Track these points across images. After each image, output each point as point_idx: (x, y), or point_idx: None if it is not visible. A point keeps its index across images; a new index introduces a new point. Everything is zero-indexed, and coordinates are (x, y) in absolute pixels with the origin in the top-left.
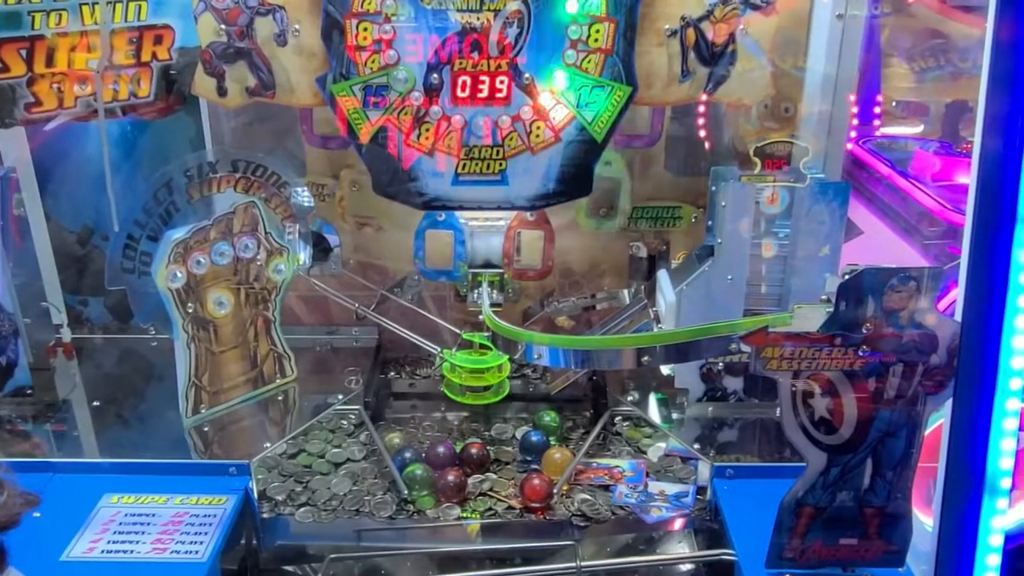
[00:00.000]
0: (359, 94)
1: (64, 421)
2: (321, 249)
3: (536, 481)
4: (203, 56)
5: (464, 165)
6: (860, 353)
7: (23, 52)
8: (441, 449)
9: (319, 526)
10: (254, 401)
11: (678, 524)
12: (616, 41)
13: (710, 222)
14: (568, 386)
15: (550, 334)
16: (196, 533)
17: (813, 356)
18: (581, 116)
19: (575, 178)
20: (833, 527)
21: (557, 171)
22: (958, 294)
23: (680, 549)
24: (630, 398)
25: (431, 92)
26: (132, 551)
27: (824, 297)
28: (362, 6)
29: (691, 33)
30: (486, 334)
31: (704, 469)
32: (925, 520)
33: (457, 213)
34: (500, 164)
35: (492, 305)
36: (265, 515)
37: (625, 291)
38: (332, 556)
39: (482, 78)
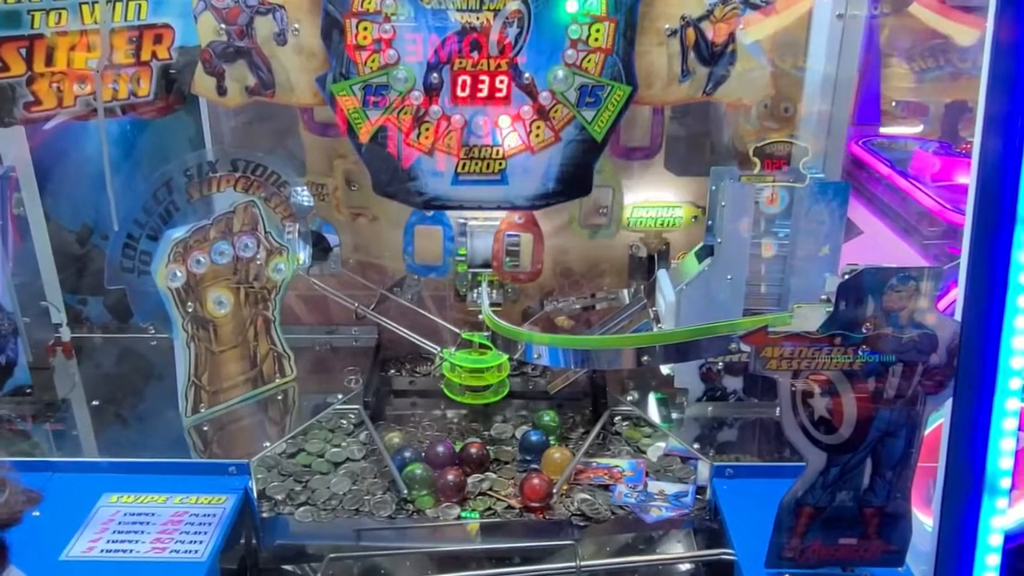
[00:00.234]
0: (359, 93)
1: (63, 420)
2: (321, 248)
3: (536, 481)
4: (203, 55)
5: (464, 165)
6: (860, 353)
7: (23, 51)
8: (441, 448)
9: (319, 525)
10: (254, 400)
11: (678, 524)
12: (616, 41)
13: (710, 222)
14: (568, 386)
15: (549, 334)
16: (195, 532)
17: (813, 356)
18: (581, 116)
19: (575, 178)
20: (833, 527)
21: (557, 171)
22: (958, 294)
23: (680, 549)
24: (630, 398)
25: (431, 92)
26: (131, 550)
27: (824, 297)
28: (362, 5)
29: (691, 33)
30: (486, 334)
31: (704, 469)
32: (925, 520)
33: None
34: (500, 164)
35: (492, 305)
36: (265, 514)
37: (625, 291)
38: (331, 555)
39: (482, 78)
